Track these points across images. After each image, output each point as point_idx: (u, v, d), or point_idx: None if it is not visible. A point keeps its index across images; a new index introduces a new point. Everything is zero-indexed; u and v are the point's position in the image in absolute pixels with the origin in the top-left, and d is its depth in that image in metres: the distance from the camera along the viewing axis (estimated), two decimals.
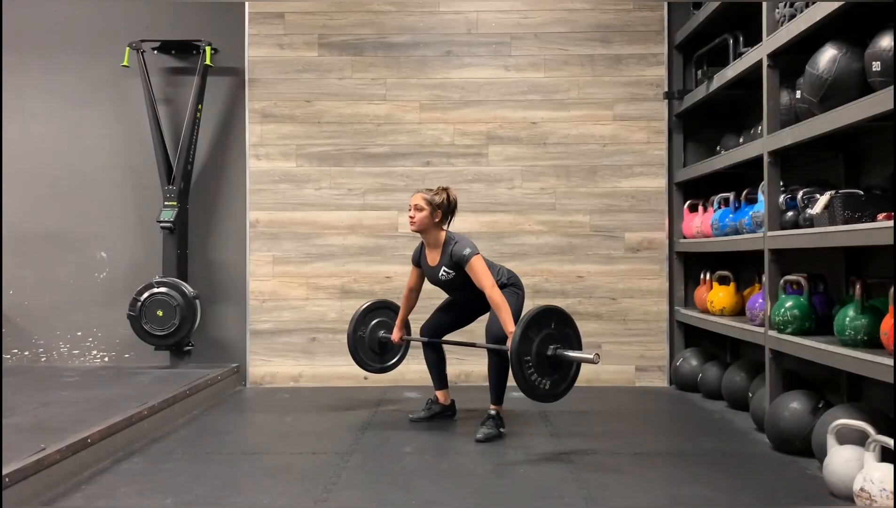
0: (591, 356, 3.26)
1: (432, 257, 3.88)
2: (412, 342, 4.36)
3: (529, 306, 4.96)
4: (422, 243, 3.95)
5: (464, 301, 3.95)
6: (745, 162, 4.04)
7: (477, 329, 4.03)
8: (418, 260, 3.99)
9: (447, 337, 4.07)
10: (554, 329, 3.37)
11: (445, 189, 3.85)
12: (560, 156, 5.21)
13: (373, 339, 4.30)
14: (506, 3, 5.24)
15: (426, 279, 3.99)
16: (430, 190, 3.84)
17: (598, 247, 5.18)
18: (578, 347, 3.45)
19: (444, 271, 3.81)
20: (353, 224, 5.22)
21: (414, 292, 4.08)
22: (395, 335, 4.19)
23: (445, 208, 3.82)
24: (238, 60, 5.28)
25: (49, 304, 5.29)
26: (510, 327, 3.46)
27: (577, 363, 3.40)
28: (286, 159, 5.23)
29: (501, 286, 3.75)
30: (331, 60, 5.25)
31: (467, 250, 3.70)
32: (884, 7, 2.93)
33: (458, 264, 3.73)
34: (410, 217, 3.81)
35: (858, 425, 2.72)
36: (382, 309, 4.34)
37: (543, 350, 3.33)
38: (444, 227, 3.86)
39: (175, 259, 5.07)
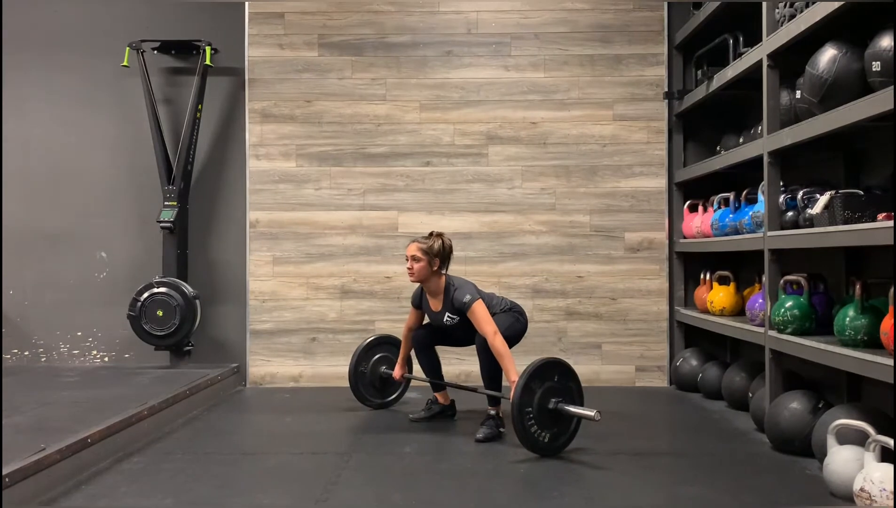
0: (593, 414, 3.26)
1: (434, 304, 3.89)
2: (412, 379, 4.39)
3: (529, 306, 4.98)
4: (422, 288, 3.94)
5: (468, 334, 3.91)
6: (745, 162, 4.03)
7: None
8: (419, 303, 3.99)
9: (440, 346, 4.10)
10: (556, 382, 3.38)
11: (440, 235, 3.84)
12: (560, 156, 5.20)
13: (374, 374, 4.33)
14: (506, 3, 5.24)
15: (431, 322, 3.99)
16: (425, 238, 3.82)
17: (598, 247, 5.18)
18: (580, 401, 3.45)
19: (449, 316, 3.84)
20: (353, 224, 5.22)
21: (414, 331, 4.07)
22: (397, 373, 4.21)
23: (442, 254, 3.81)
24: (238, 60, 5.28)
25: (49, 304, 5.29)
26: (513, 376, 3.46)
27: (578, 418, 3.41)
28: (286, 159, 5.23)
29: (504, 310, 3.80)
30: (331, 60, 5.25)
31: (468, 298, 3.69)
32: (884, 7, 2.93)
33: (461, 311, 3.74)
34: (408, 268, 3.80)
35: (858, 425, 2.71)
36: (385, 345, 4.40)
37: (545, 403, 3.33)
38: (443, 272, 3.85)
39: (175, 259, 5.07)
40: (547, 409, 3.33)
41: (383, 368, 4.33)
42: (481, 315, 3.66)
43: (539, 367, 3.36)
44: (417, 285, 3.96)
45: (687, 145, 5.23)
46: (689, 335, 5.12)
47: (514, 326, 3.81)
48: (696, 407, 4.45)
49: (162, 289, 4.94)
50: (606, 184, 5.19)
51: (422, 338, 4.04)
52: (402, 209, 5.19)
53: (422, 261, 3.77)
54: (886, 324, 2.77)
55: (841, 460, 2.76)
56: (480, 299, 3.71)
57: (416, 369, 4.25)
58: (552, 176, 5.20)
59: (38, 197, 5.32)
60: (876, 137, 3.40)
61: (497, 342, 3.58)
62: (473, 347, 3.76)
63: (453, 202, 5.20)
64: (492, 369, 3.68)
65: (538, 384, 3.33)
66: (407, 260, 3.81)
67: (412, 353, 4.14)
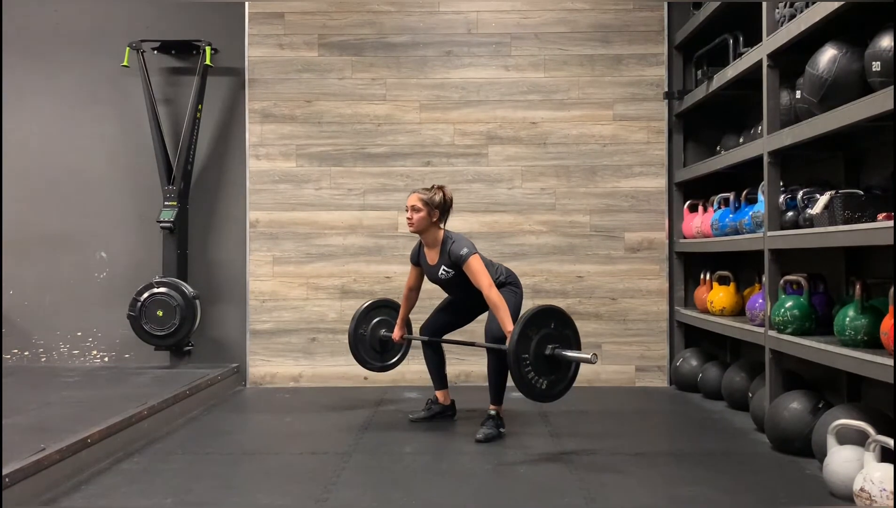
0: (589, 356, 3.26)
1: (431, 257, 3.88)
2: (413, 342, 4.36)
3: (529, 306, 4.98)
4: (420, 243, 3.95)
5: (463, 300, 3.95)
6: (745, 162, 4.04)
7: (477, 329, 4.03)
8: (417, 259, 3.99)
9: (447, 337, 4.08)
10: (553, 329, 3.37)
11: (441, 187, 3.85)
12: (560, 156, 5.20)
13: (374, 337, 4.30)
14: (506, 3, 5.24)
15: (426, 278, 3.99)
16: (426, 190, 3.84)
17: (598, 247, 5.18)
18: (577, 348, 3.44)
19: (444, 270, 3.81)
20: (353, 224, 5.22)
21: (414, 291, 4.08)
22: (396, 334, 4.19)
23: (442, 207, 3.82)
24: (238, 60, 5.28)
25: (49, 304, 5.29)
26: (508, 326, 3.46)
27: (576, 363, 3.40)
28: (286, 159, 5.23)
29: (499, 285, 3.75)
30: (331, 60, 5.25)
31: (464, 250, 3.69)
32: (884, 7, 2.93)
33: (456, 264, 3.74)
34: (408, 218, 3.80)
35: (858, 425, 2.72)
36: (384, 308, 4.34)
37: (541, 350, 3.32)
38: (442, 225, 3.86)
39: (175, 259, 5.07)
40: (544, 355, 3.32)
41: (383, 331, 4.28)
42: (476, 268, 3.65)
43: (535, 314, 3.35)
44: (415, 242, 3.97)
45: (687, 145, 5.23)
46: (689, 335, 5.12)
47: (512, 300, 3.76)
48: (696, 407, 4.45)
49: (162, 289, 4.94)
50: (606, 184, 5.19)
51: (430, 330, 4.04)
52: (402, 209, 5.18)
53: (422, 211, 3.78)
54: (886, 324, 2.77)
55: (841, 460, 2.76)
56: (477, 254, 3.71)
57: (416, 330, 4.23)
58: (552, 176, 5.20)
59: (38, 197, 5.32)
60: (876, 137, 3.40)
61: (492, 294, 3.57)
62: (473, 347, 3.75)
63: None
64: (498, 366, 3.67)
65: (534, 331, 3.31)
66: (407, 210, 3.81)
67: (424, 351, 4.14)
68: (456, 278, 3.80)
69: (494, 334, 3.66)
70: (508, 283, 3.84)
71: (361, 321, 4.26)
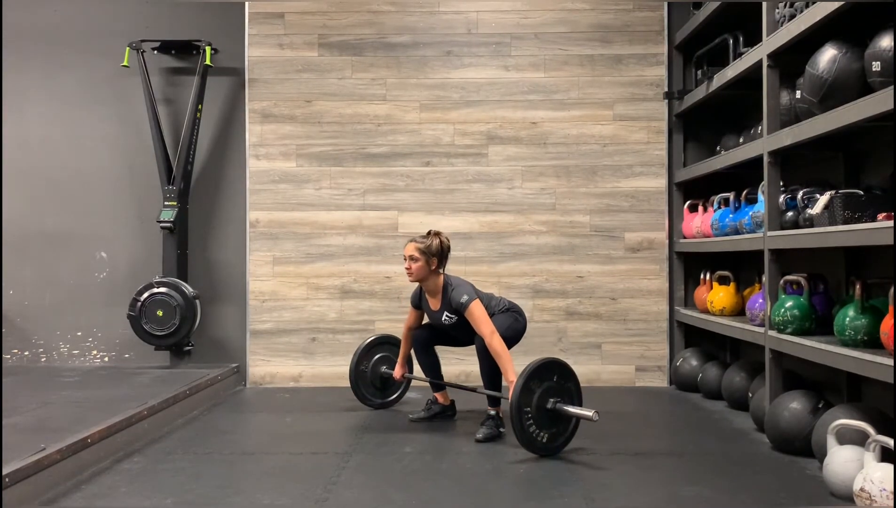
0: (591, 414, 3.26)
1: (433, 303, 3.89)
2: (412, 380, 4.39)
3: (529, 306, 4.99)
4: (421, 288, 3.94)
5: (467, 335, 3.91)
6: (745, 162, 4.04)
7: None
8: (419, 303, 3.99)
9: (439, 346, 4.10)
10: (555, 383, 3.38)
11: (437, 234, 3.83)
12: (560, 156, 5.20)
13: (374, 374, 4.34)
14: (506, 3, 5.24)
15: (430, 321, 3.99)
16: (423, 237, 3.82)
17: (598, 247, 5.18)
18: (579, 402, 3.45)
19: (447, 316, 3.83)
20: (353, 224, 5.22)
21: (414, 330, 4.08)
22: (398, 373, 4.21)
23: (440, 253, 3.81)
24: (238, 60, 5.28)
25: (49, 304, 5.29)
26: (511, 376, 3.46)
27: (577, 418, 3.41)
28: (286, 159, 5.23)
29: (502, 311, 3.79)
30: (331, 60, 5.25)
31: (465, 298, 3.69)
32: (884, 7, 2.93)
33: (458, 311, 3.74)
34: (406, 268, 3.80)
35: (858, 425, 2.72)
36: (385, 345, 4.41)
37: (543, 403, 3.33)
38: (441, 271, 3.85)
39: (175, 259, 5.07)
40: (545, 409, 3.33)
41: (384, 368, 4.33)
42: (478, 316, 3.66)
43: (538, 367, 3.35)
44: (416, 284, 3.96)
45: (687, 145, 5.23)
46: (689, 335, 5.12)
47: (514, 326, 3.80)
48: (696, 407, 4.45)
49: (162, 289, 4.94)
50: (606, 184, 5.19)
51: (422, 338, 4.04)
52: (402, 209, 5.19)
53: (419, 261, 3.77)
54: (886, 324, 2.77)
55: (841, 460, 2.76)
56: (478, 300, 3.70)
57: (417, 369, 4.25)
58: (552, 176, 5.20)
59: (38, 197, 5.32)
60: (876, 137, 3.41)
61: (494, 342, 3.58)
62: (473, 347, 3.76)
63: (453, 202, 5.20)
64: (491, 370, 3.68)
65: (537, 384, 3.33)
66: (405, 260, 3.81)
67: (412, 353, 4.14)
68: (459, 323, 3.81)
69: (492, 381, 3.70)
70: (510, 310, 3.86)
71: (363, 357, 4.30)
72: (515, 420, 3.27)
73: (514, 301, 4.00)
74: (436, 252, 3.79)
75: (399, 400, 4.46)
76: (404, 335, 4.14)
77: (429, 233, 3.85)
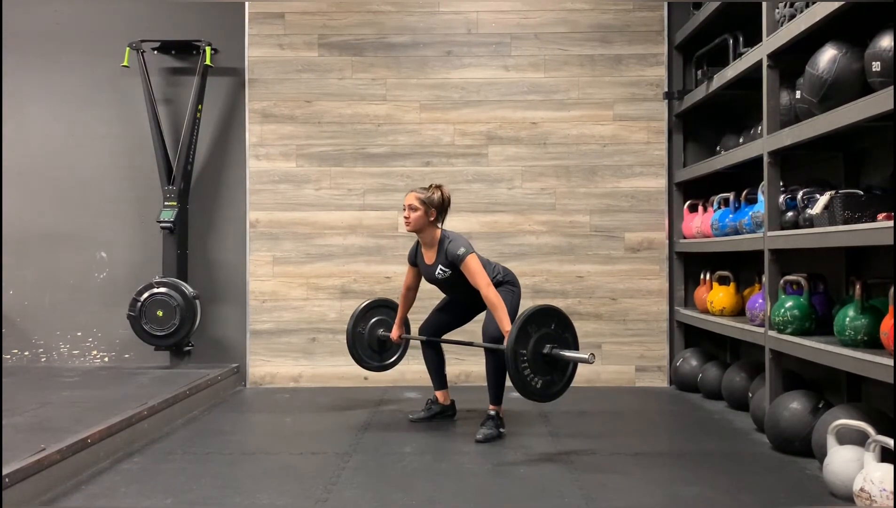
0: (587, 356, 3.25)
1: (429, 256, 3.87)
2: (412, 343, 4.36)
3: (529, 306, 4.98)
4: (417, 243, 3.95)
5: (461, 300, 3.95)
6: (745, 162, 4.04)
7: (476, 330, 4.03)
8: (414, 259, 3.99)
9: (446, 337, 4.08)
10: (553, 330, 3.36)
11: (439, 186, 3.84)
12: (560, 156, 5.20)
13: (372, 337, 4.29)
14: (506, 3, 5.24)
15: (423, 278, 3.99)
16: (424, 189, 3.84)
17: (598, 247, 5.18)
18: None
19: (441, 269, 3.81)
20: (353, 224, 5.22)
21: (412, 291, 4.08)
22: (395, 333, 4.18)
23: (440, 206, 3.81)
24: (238, 60, 5.28)
25: (49, 304, 5.29)
26: (506, 325, 3.45)
27: (573, 364, 3.39)
28: (286, 159, 5.23)
29: (497, 284, 3.74)
30: (331, 60, 5.25)
31: (461, 250, 3.68)
32: (884, 7, 2.93)
33: (454, 264, 3.73)
34: (405, 217, 3.80)
35: (858, 425, 2.72)
36: (382, 307, 4.34)
37: (539, 348, 3.31)
38: (439, 225, 3.85)
39: (175, 259, 5.07)
40: (541, 354, 3.31)
41: (381, 330, 4.27)
42: (474, 269, 3.65)
43: (536, 312, 3.34)
44: (413, 242, 3.96)
45: (687, 145, 5.23)
46: (689, 335, 5.12)
47: (509, 298, 3.75)
48: (696, 407, 4.45)
49: (162, 289, 4.94)
50: (606, 184, 5.19)
51: (429, 331, 4.04)
52: (401, 210, 5.17)
53: (419, 210, 3.77)
54: (886, 324, 2.77)
55: (841, 460, 2.76)
56: (475, 254, 3.70)
57: (414, 330, 4.23)
58: (552, 176, 5.20)
59: (38, 197, 5.32)
60: (876, 137, 3.41)
61: (490, 293, 3.57)
62: (473, 348, 3.75)
63: (453, 202, 5.17)
64: (497, 366, 3.66)
65: (534, 330, 3.31)
66: (404, 209, 3.81)
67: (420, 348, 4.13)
68: (453, 278, 3.79)
69: (492, 334, 3.66)
70: (506, 282, 3.83)
71: (359, 320, 4.25)
72: (511, 365, 3.24)
73: (507, 268, 3.94)
74: (436, 203, 3.79)
75: (397, 364, 4.38)
76: (402, 296, 4.11)
77: (430, 185, 3.86)
